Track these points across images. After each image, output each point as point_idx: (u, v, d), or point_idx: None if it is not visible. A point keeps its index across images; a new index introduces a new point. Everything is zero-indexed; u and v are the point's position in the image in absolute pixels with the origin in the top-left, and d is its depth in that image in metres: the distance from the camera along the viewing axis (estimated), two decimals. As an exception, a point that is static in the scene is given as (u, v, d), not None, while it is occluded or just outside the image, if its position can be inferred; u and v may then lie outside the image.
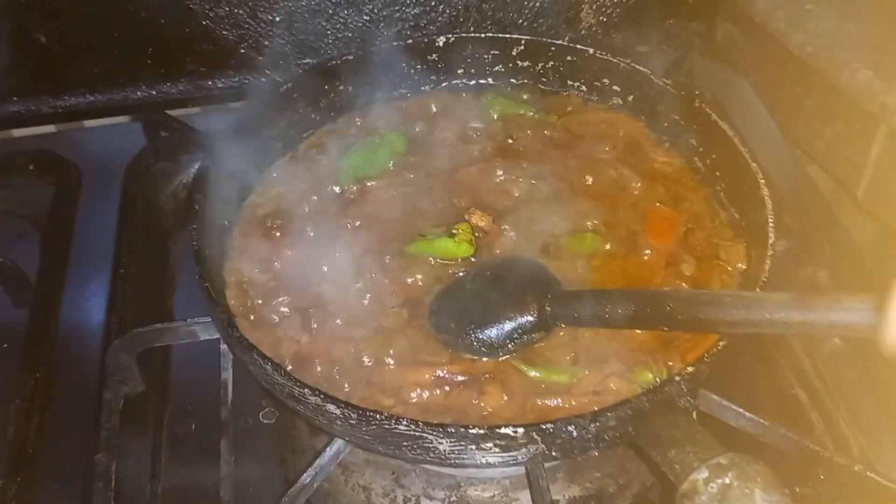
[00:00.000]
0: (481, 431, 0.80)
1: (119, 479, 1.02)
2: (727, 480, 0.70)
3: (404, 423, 0.80)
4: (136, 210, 1.34)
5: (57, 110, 1.46)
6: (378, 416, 0.81)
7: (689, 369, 0.85)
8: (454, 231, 1.04)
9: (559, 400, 0.92)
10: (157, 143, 1.35)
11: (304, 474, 0.93)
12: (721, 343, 0.87)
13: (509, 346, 0.95)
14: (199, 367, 1.14)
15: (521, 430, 0.80)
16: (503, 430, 0.80)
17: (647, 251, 1.05)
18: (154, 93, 1.47)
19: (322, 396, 0.83)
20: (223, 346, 1.09)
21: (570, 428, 0.80)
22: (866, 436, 1.07)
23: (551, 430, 0.80)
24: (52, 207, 1.34)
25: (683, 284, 1.01)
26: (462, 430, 0.80)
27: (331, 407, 0.82)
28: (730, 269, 1.03)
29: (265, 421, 1.13)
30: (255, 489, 1.06)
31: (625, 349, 0.95)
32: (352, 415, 0.82)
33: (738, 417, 0.95)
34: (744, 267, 1.02)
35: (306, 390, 0.83)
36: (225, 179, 1.07)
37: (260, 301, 1.01)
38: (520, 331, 0.95)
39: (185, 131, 1.32)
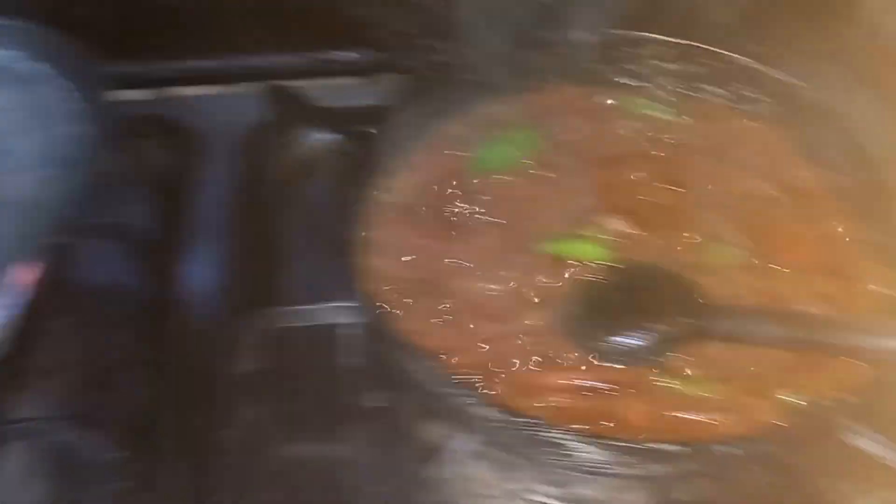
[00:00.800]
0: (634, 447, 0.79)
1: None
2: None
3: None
4: (253, 181, 1.34)
5: (178, 74, 1.47)
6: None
7: (850, 397, 0.82)
8: (589, 234, 1.02)
9: (694, 414, 0.90)
10: (274, 113, 1.35)
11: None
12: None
13: (646, 354, 0.94)
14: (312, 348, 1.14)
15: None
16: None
17: (786, 269, 1.03)
18: (275, 63, 1.46)
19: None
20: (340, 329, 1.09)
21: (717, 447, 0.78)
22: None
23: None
24: (172, 172, 1.35)
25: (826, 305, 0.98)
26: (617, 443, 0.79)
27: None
28: (871, 288, 1.00)
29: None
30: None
31: (768, 368, 0.93)
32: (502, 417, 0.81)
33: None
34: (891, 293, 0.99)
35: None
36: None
37: (391, 293, 1.00)
38: (658, 340, 0.94)
39: (301, 103, 1.32)
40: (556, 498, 1.04)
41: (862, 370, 0.89)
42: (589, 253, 1.01)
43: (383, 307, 0.97)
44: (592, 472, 0.85)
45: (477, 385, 0.91)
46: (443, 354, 0.93)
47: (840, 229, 1.07)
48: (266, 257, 1.29)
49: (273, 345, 1.17)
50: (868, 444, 0.89)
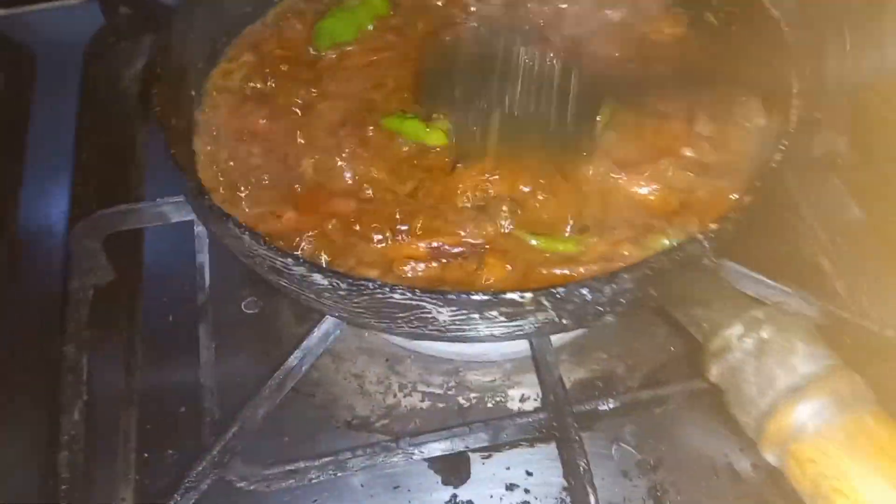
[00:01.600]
0: (485, 298, 0.72)
1: (90, 374, 0.94)
2: (764, 335, 0.63)
3: (399, 290, 0.72)
4: (97, 94, 1.23)
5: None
6: (370, 285, 0.72)
7: (713, 226, 0.77)
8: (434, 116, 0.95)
9: (566, 270, 0.84)
10: (116, 20, 1.24)
11: (291, 356, 0.85)
12: (747, 198, 0.79)
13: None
14: (173, 253, 1.05)
15: (528, 295, 0.72)
16: (509, 296, 0.72)
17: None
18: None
19: (308, 265, 0.74)
20: (198, 229, 1.01)
21: (582, 291, 0.72)
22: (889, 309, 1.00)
23: (562, 294, 0.72)
24: (4, 95, 1.23)
25: (706, 145, 0.92)
26: (464, 296, 0.72)
27: (317, 277, 0.74)
28: (748, 125, 0.94)
29: (247, 311, 1.05)
30: (237, 382, 0.97)
31: (637, 215, 0.87)
32: (341, 284, 0.73)
33: (759, 285, 0.88)
34: (764, 122, 0.93)
35: (289, 259, 0.74)
36: (190, 45, 0.96)
37: (234, 176, 0.91)
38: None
39: (147, 5, 1.21)
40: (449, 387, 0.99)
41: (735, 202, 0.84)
42: (423, 136, 0.93)
43: (219, 192, 0.89)
44: (458, 337, 0.79)
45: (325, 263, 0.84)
46: (288, 236, 0.85)
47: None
48: (117, 170, 1.18)
49: (127, 253, 1.08)
50: (737, 278, 0.84)
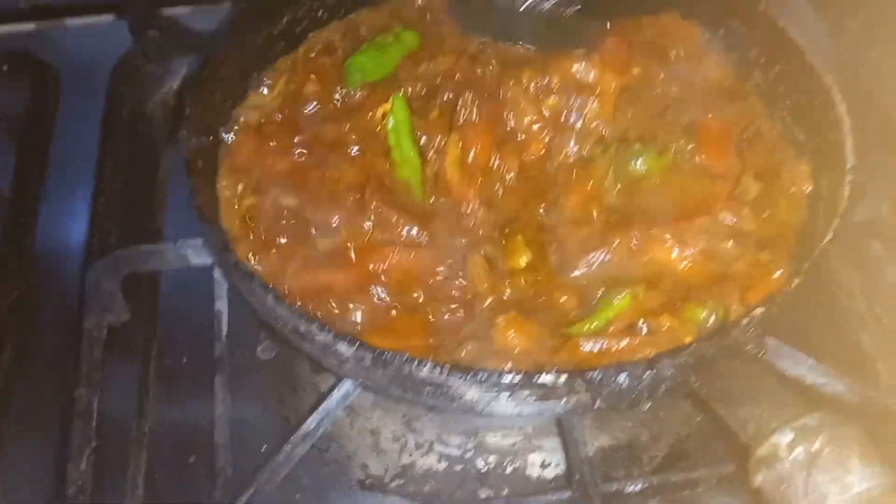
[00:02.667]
0: (517, 379, 0.69)
1: (101, 416, 0.91)
2: (817, 445, 0.59)
3: (427, 365, 0.69)
4: (122, 117, 1.20)
5: (35, 6, 1.31)
6: (397, 358, 0.69)
7: (759, 310, 0.73)
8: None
9: (598, 339, 0.80)
10: (145, 43, 1.21)
11: (309, 419, 0.82)
12: (795, 280, 0.75)
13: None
14: (191, 295, 1.02)
15: (563, 377, 0.68)
16: (543, 379, 0.68)
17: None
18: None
19: (332, 334, 0.71)
20: (217, 273, 0.97)
21: (621, 377, 0.69)
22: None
23: (598, 378, 0.69)
24: (28, 113, 1.20)
25: (747, 211, 0.88)
26: (495, 376, 0.69)
27: (342, 346, 0.70)
28: (793, 190, 0.90)
29: (263, 356, 1.01)
30: (252, 431, 0.95)
31: (674, 283, 0.84)
32: (367, 355, 0.70)
33: (800, 366, 0.83)
34: (810, 188, 0.90)
35: (314, 326, 0.71)
36: (221, 82, 0.93)
37: (261, 223, 0.88)
38: None
39: (175, 30, 1.19)
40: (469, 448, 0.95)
41: (780, 280, 0.80)
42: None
43: (246, 240, 0.85)
44: (485, 413, 0.75)
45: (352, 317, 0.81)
46: (311, 289, 0.82)
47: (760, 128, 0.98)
48: (139, 198, 1.15)
49: (145, 293, 1.05)
50: (778, 357, 0.80)
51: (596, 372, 0.68)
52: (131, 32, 1.22)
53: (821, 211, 0.87)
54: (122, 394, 0.97)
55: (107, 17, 1.33)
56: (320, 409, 0.82)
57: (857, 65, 1.19)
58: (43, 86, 1.23)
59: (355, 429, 0.97)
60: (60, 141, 1.19)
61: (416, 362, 0.69)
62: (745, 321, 0.72)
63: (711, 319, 0.81)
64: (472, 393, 0.70)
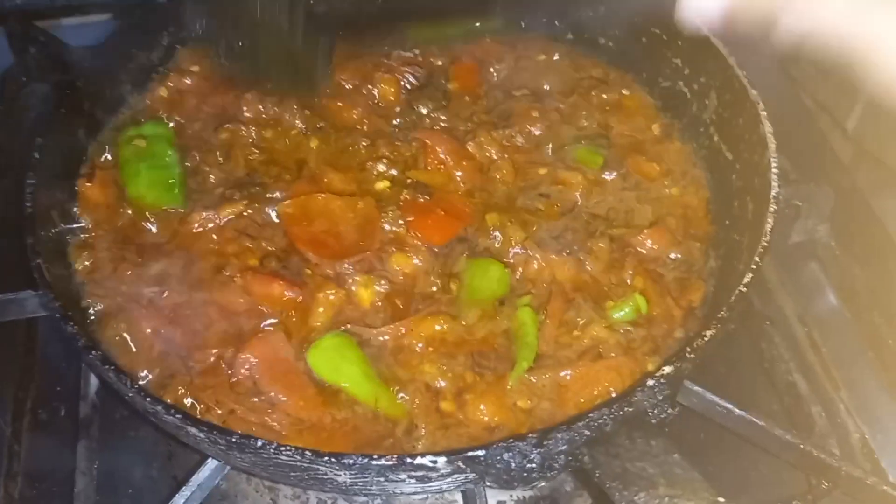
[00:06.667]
0: (389, 462, 0.60)
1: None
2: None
3: (287, 450, 0.60)
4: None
5: None
6: (254, 443, 0.61)
7: (667, 369, 0.65)
8: None
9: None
10: (26, 60, 1.11)
11: (178, 495, 0.73)
12: (708, 333, 0.67)
13: None
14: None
15: (441, 459, 0.60)
16: (419, 461, 0.60)
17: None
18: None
19: (182, 416, 0.62)
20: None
21: (506, 456, 0.60)
22: (867, 418, 0.88)
23: (482, 457, 0.61)
24: None
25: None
26: (363, 460, 0.60)
27: (193, 429, 0.62)
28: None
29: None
30: (136, 491, 0.86)
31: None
32: (220, 440, 0.61)
33: (727, 416, 0.75)
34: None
35: (159, 407, 0.62)
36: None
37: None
38: None
39: (53, 47, 1.08)
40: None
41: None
42: None
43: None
44: (364, 494, 0.67)
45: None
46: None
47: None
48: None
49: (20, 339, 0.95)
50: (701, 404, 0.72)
51: (479, 451, 0.60)
52: (11, 49, 1.11)
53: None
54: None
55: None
56: (190, 481, 0.73)
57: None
58: None
59: (252, 485, 0.88)
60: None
61: (273, 447, 0.60)
62: (649, 383, 0.64)
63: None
64: (342, 477, 0.62)
